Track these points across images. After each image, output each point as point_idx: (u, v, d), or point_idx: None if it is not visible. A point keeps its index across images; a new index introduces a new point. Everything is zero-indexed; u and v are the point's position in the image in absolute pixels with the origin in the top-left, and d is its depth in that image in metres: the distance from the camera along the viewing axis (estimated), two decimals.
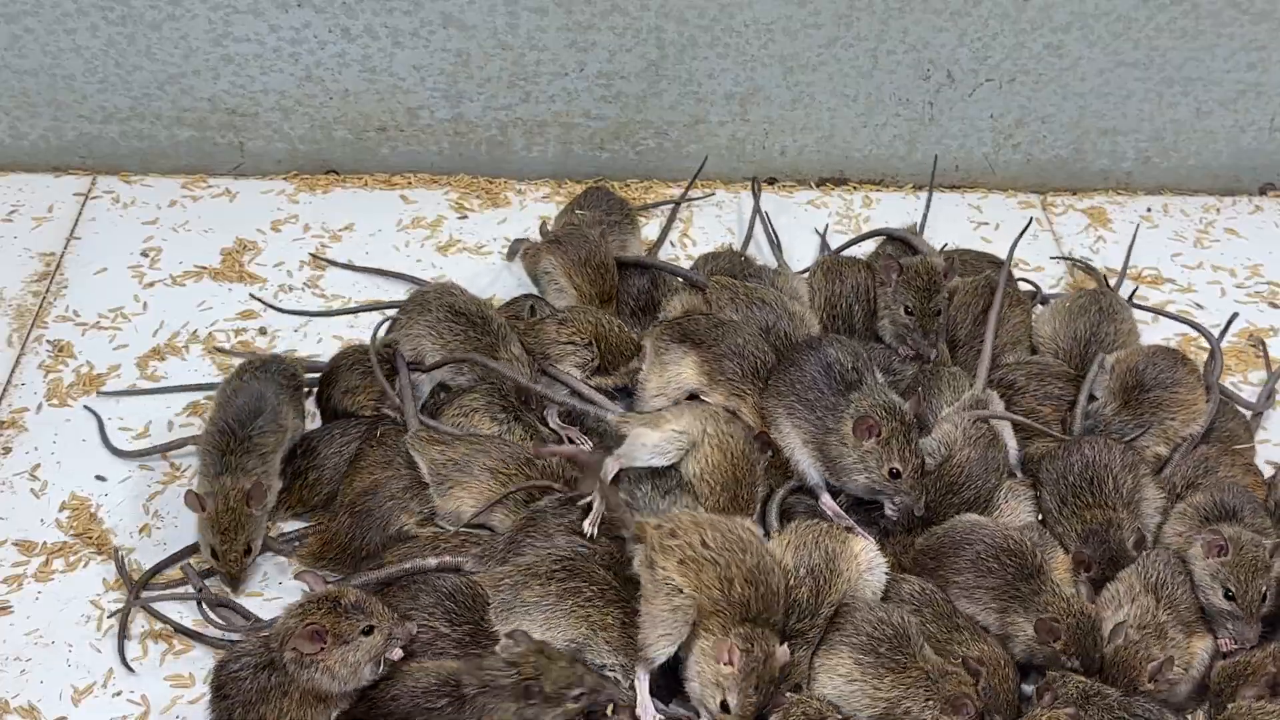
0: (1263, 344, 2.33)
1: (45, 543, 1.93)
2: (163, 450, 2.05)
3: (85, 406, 2.11)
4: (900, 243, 2.39)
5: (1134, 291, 2.39)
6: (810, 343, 1.96)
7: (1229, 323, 2.32)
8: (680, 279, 2.25)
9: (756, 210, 2.50)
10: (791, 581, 1.70)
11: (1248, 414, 2.14)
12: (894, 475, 1.82)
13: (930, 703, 1.62)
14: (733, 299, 2.08)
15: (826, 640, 1.70)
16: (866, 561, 1.76)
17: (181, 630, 1.81)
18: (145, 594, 1.85)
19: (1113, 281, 2.38)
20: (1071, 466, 1.91)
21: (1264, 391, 2.21)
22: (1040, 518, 1.93)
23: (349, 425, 2.00)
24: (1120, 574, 1.82)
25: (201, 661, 1.79)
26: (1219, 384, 2.14)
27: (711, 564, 1.64)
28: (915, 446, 1.83)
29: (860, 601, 1.72)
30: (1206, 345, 2.26)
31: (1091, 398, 2.07)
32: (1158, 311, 2.36)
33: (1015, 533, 1.82)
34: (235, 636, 1.78)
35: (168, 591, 1.86)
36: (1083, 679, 1.68)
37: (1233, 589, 1.77)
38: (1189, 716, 1.79)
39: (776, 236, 2.46)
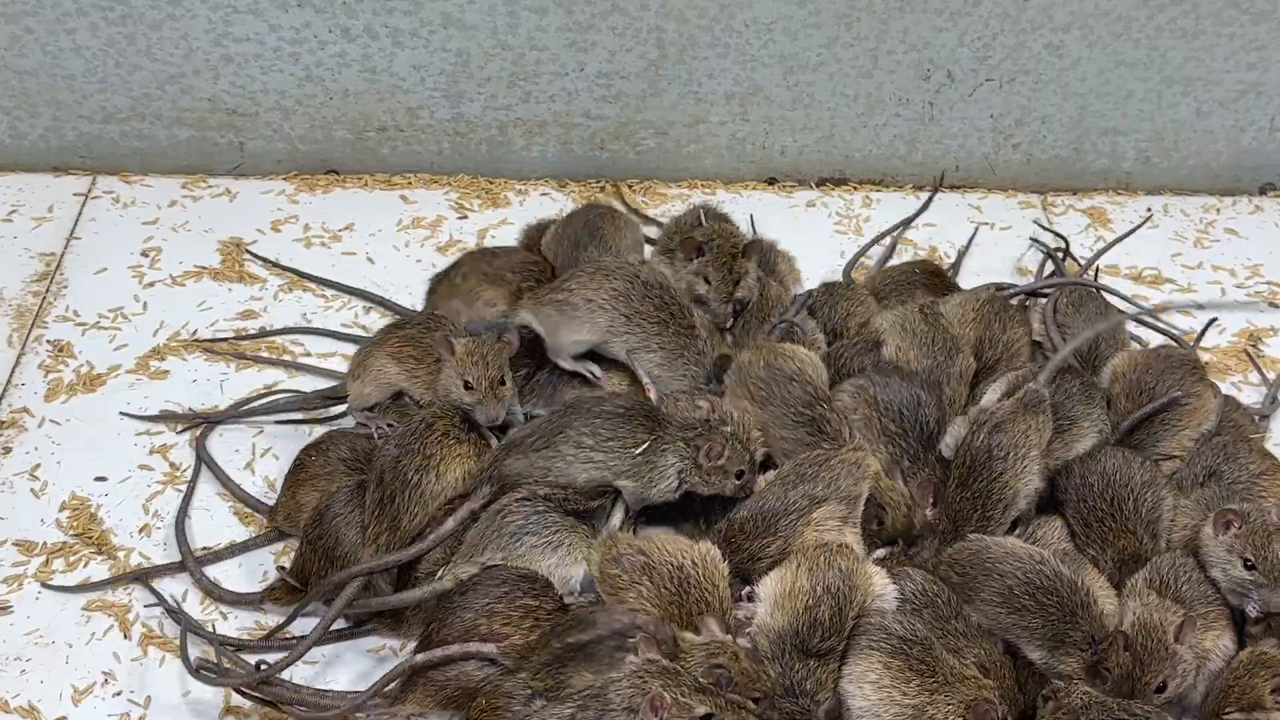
0: (1248, 351, 2.31)
1: (45, 543, 1.93)
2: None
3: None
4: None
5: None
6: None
7: (1206, 328, 2.32)
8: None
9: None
10: (809, 601, 1.68)
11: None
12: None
13: (952, 707, 1.59)
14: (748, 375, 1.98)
15: (852, 648, 1.67)
16: (880, 585, 1.73)
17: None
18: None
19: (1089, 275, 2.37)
20: (1090, 486, 1.88)
21: (1270, 395, 2.21)
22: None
23: None
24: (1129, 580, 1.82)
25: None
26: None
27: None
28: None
29: (880, 612, 1.70)
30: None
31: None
32: (1143, 322, 2.35)
33: (1051, 564, 1.75)
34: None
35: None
36: (1089, 689, 1.65)
37: (1251, 556, 1.76)
38: None
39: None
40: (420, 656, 1.68)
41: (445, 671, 1.67)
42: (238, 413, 2.11)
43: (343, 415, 2.09)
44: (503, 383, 1.93)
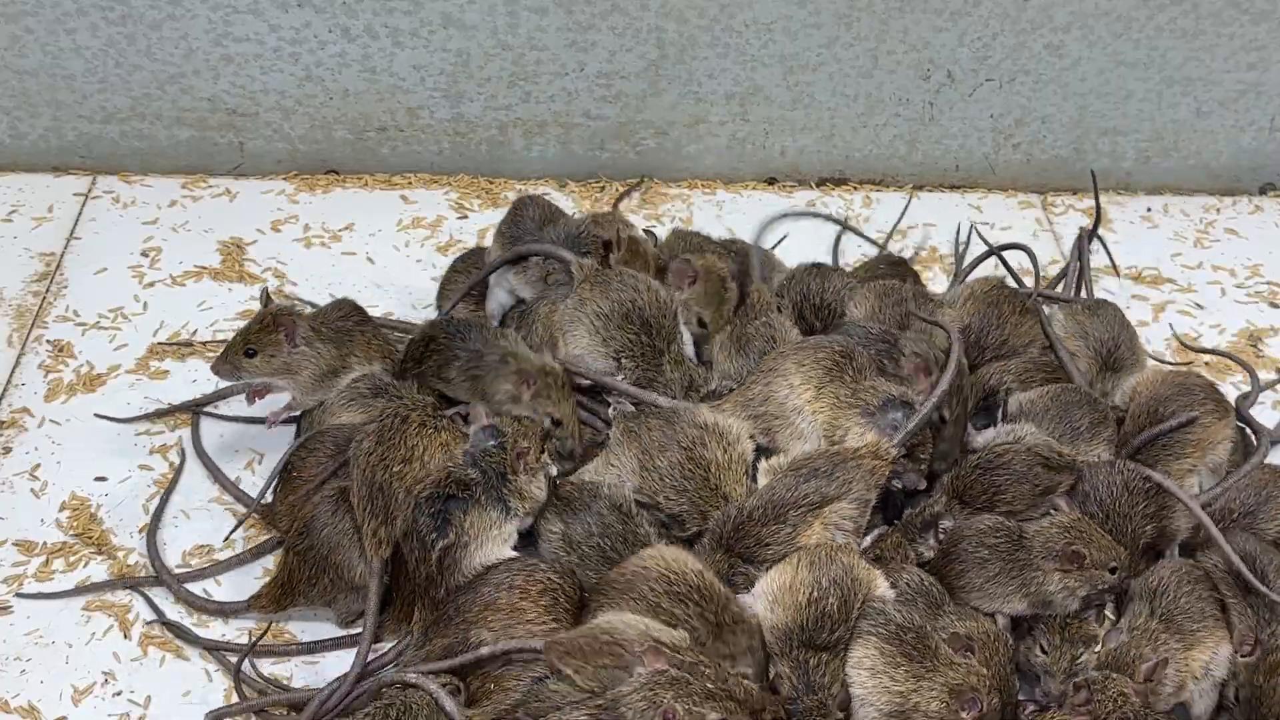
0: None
1: (45, 543, 1.93)
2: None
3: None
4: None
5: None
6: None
7: None
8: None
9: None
10: (814, 594, 1.68)
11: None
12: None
13: (936, 692, 1.60)
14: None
15: (853, 635, 1.68)
16: (882, 588, 1.73)
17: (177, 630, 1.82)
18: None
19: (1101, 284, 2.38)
20: (1087, 497, 1.85)
21: None
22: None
23: None
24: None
25: (200, 663, 1.80)
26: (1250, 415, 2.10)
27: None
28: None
29: (881, 599, 1.71)
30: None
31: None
32: (1206, 351, 2.32)
33: (988, 516, 1.81)
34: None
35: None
36: (1125, 689, 1.64)
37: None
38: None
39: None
40: (460, 659, 1.66)
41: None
42: (210, 400, 2.11)
43: None
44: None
